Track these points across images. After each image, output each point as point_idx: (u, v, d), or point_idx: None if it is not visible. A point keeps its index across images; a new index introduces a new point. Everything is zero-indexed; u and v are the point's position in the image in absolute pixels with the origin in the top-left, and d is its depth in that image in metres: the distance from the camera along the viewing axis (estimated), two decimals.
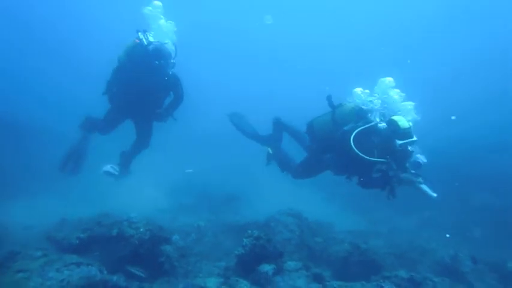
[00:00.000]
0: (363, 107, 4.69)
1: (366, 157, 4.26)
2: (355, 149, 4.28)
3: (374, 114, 4.64)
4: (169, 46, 5.47)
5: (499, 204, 8.57)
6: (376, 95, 4.82)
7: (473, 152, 10.96)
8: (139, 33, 5.39)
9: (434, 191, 4.18)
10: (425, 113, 4.69)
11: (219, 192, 8.62)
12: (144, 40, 5.35)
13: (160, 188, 7.61)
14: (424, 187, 4.21)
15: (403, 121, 4.32)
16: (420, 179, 4.25)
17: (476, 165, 10.06)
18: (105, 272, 3.49)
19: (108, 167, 5.94)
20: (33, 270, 3.08)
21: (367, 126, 4.45)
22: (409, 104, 4.68)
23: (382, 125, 4.47)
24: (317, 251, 6.00)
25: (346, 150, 4.41)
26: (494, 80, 17.84)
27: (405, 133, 4.28)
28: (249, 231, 4.23)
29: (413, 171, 4.33)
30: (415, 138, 4.32)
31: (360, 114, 4.66)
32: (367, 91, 4.96)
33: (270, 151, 5.90)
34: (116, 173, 5.97)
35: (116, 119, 5.82)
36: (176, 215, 6.72)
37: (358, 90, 4.92)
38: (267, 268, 3.85)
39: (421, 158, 4.43)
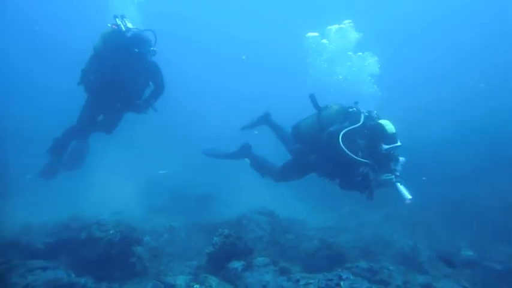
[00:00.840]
0: (350, 109, 4.70)
1: (353, 156, 4.24)
2: (344, 148, 4.24)
3: (360, 116, 4.59)
4: (148, 33, 5.23)
5: (456, 197, 9.14)
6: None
7: (438, 150, 11.55)
8: (117, 19, 5.14)
9: (410, 193, 4.15)
10: (397, 113, 4.90)
11: (193, 192, 8.66)
12: (122, 26, 5.10)
13: (133, 189, 7.55)
14: (401, 187, 4.20)
15: (390, 125, 4.35)
16: (399, 179, 4.25)
17: (439, 162, 10.65)
18: (73, 275, 3.50)
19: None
20: None
21: (353, 127, 4.43)
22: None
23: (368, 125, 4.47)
24: (288, 247, 6.18)
25: (333, 151, 4.39)
26: (465, 80, 18.46)
27: (391, 138, 4.29)
28: (220, 230, 4.35)
29: (397, 173, 4.31)
30: (399, 144, 4.32)
31: (346, 116, 4.66)
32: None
33: (248, 161, 5.86)
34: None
35: (93, 114, 5.52)
36: (149, 216, 6.72)
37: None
38: (237, 265, 3.98)
39: (401, 158, 4.42)
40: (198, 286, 3.00)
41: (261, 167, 5.76)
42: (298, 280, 3.17)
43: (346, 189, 4.71)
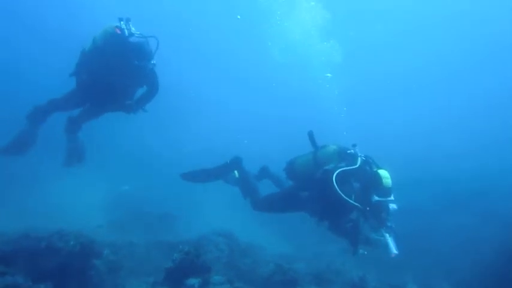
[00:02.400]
0: (347, 150, 4.62)
1: (344, 197, 4.12)
2: (337, 187, 4.12)
3: (357, 158, 4.49)
4: (151, 40, 5.03)
5: (409, 232, 9.75)
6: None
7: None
8: (122, 22, 4.88)
9: (397, 248, 4.02)
10: None
11: (155, 210, 8.68)
12: (125, 31, 4.84)
13: (95, 202, 7.51)
14: (390, 240, 4.07)
15: (387, 179, 4.20)
16: (389, 230, 4.13)
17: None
18: (31, 282, 3.53)
19: None
20: None
21: (349, 168, 4.33)
22: None
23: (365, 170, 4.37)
24: (244, 270, 6.38)
25: (326, 190, 4.29)
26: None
27: (385, 191, 4.15)
28: (180, 247, 4.52)
29: (388, 223, 4.17)
30: (392, 198, 4.17)
31: (343, 157, 4.60)
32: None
33: (237, 174, 5.61)
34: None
35: (77, 104, 5.36)
36: (110, 231, 6.69)
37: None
38: (194, 281, 4.16)
39: (392, 206, 4.22)
40: None
41: (247, 186, 5.49)
42: None
43: (334, 233, 4.61)
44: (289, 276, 5.81)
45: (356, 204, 4.14)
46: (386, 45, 21.19)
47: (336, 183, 4.12)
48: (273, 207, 5.32)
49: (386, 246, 4.01)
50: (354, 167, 4.33)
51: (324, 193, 4.34)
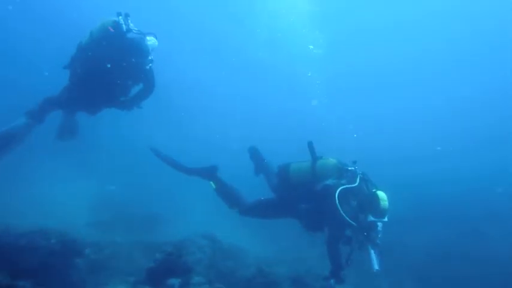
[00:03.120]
0: (347, 167, 4.63)
1: (344, 215, 4.18)
2: (338, 205, 4.18)
3: (356, 177, 4.50)
4: (151, 40, 4.96)
5: (387, 241, 10.00)
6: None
7: None
8: (120, 17, 4.79)
9: (379, 264, 4.12)
10: None
11: (139, 211, 8.70)
12: (123, 26, 4.76)
13: (79, 201, 7.48)
14: (373, 255, 4.16)
15: (385, 201, 4.24)
16: (376, 247, 4.20)
17: None
18: (9, 279, 3.56)
19: None
20: None
21: (350, 186, 4.36)
22: None
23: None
24: (226, 273, 6.47)
25: (324, 205, 4.36)
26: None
27: (381, 213, 4.21)
28: (163, 247, 4.60)
29: (377, 241, 4.23)
30: (386, 219, 4.23)
31: (342, 172, 4.60)
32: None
33: (213, 186, 5.37)
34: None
35: (71, 100, 5.21)
36: (93, 230, 6.69)
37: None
38: (174, 282, 4.24)
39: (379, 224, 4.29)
40: None
41: (229, 195, 5.33)
42: None
43: (331, 247, 4.55)
44: (270, 280, 5.94)
45: (352, 223, 4.21)
46: (374, 36, 21.09)
47: (338, 200, 4.17)
48: (264, 215, 5.28)
49: (369, 260, 4.11)
50: (353, 185, 4.37)
51: (322, 207, 4.42)
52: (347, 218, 4.18)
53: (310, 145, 4.82)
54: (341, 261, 4.51)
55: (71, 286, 4.28)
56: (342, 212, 4.15)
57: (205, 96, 21.75)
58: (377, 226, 4.21)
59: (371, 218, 4.19)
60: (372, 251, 4.16)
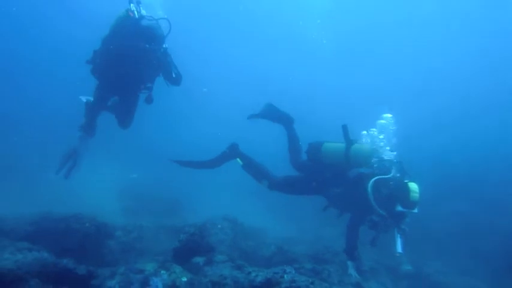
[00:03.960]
0: (384, 157, 4.65)
1: (374, 204, 4.33)
2: (371, 195, 4.33)
3: (391, 166, 4.59)
4: (164, 24, 4.98)
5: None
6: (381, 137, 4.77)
7: None
8: (132, 5, 4.92)
9: (402, 248, 4.29)
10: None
11: (162, 196, 9.13)
12: (135, 12, 4.87)
13: (106, 190, 7.95)
14: (398, 239, 4.30)
15: (415, 193, 4.32)
16: (402, 232, 4.35)
17: None
18: (54, 257, 3.95)
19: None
20: None
21: (384, 177, 4.45)
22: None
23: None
24: (247, 252, 6.79)
25: (357, 192, 4.53)
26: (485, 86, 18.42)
27: (411, 204, 4.30)
28: (186, 228, 4.91)
29: (403, 226, 4.38)
30: (415, 211, 4.32)
31: (377, 161, 4.64)
32: (374, 130, 4.85)
33: (240, 162, 5.51)
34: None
35: (104, 96, 5.47)
36: (120, 215, 7.14)
37: (365, 132, 4.90)
38: (199, 260, 4.55)
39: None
40: (164, 271, 3.54)
41: (256, 170, 5.43)
42: (249, 272, 3.80)
43: (353, 229, 4.76)
44: (289, 257, 6.21)
45: (382, 212, 4.37)
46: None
47: (371, 190, 4.34)
48: (292, 190, 5.34)
49: (395, 243, 4.30)
50: (388, 176, 4.47)
51: (353, 193, 4.61)
52: (377, 208, 4.36)
53: (344, 128, 4.81)
54: (356, 243, 4.77)
55: (106, 264, 4.68)
56: (373, 201, 4.33)
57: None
58: (405, 216, 4.36)
59: (400, 208, 4.30)
60: (398, 235, 4.33)
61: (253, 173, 5.45)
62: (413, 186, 4.37)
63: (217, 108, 20.38)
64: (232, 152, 5.53)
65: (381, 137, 4.73)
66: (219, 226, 6.89)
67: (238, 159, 5.52)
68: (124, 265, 3.79)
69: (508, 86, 17.52)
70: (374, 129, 4.86)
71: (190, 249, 4.77)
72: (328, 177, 4.95)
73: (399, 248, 4.28)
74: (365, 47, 21.30)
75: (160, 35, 4.97)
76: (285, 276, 3.62)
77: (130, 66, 5.00)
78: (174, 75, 5.23)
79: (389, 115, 4.85)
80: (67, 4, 19.24)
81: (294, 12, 20.76)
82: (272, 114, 5.58)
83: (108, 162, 9.16)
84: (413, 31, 20.14)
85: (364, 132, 4.92)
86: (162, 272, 3.59)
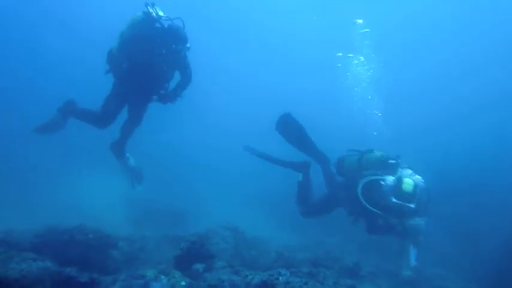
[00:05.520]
0: (390, 160, 4.93)
1: (364, 203, 4.61)
2: (360, 194, 4.66)
3: (397, 169, 4.82)
4: (179, 23, 5.11)
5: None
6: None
7: None
8: (148, 7, 4.96)
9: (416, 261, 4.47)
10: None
11: (164, 208, 9.28)
12: (153, 14, 4.94)
13: (110, 202, 8.12)
14: (412, 252, 4.50)
15: (408, 185, 4.54)
16: (416, 245, 4.55)
17: None
18: (58, 266, 4.11)
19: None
20: None
21: (377, 177, 4.73)
22: None
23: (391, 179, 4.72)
24: (249, 260, 6.88)
25: (350, 194, 4.89)
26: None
27: (404, 196, 4.50)
28: (187, 237, 5.05)
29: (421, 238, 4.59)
30: (411, 206, 4.49)
31: (384, 165, 4.91)
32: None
33: (300, 178, 5.87)
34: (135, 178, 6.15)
35: (120, 103, 5.43)
36: (124, 226, 7.29)
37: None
38: (199, 266, 4.67)
39: (421, 223, 4.59)
40: (164, 277, 3.68)
41: (305, 191, 5.83)
42: (246, 276, 3.93)
43: (373, 234, 5.02)
44: (288, 263, 6.30)
45: (374, 210, 4.60)
46: None
47: (365, 190, 4.62)
48: (321, 211, 5.82)
49: (407, 255, 4.52)
50: (378, 176, 4.75)
51: (351, 197, 4.93)
52: (367, 205, 4.59)
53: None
54: (385, 231, 4.88)
55: (109, 273, 4.81)
56: (362, 199, 4.58)
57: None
58: (404, 211, 4.51)
59: (394, 200, 4.49)
60: (411, 247, 4.54)
61: (301, 193, 5.85)
62: (407, 179, 4.59)
63: (227, 119, 20.61)
64: (303, 168, 5.90)
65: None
66: (220, 235, 7.01)
67: (301, 174, 5.88)
68: (125, 272, 3.93)
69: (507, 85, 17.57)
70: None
71: (191, 257, 4.89)
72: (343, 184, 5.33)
73: (413, 261, 4.48)
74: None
75: (185, 35, 5.12)
76: (280, 278, 3.74)
77: (156, 68, 5.12)
78: (189, 73, 5.42)
79: None
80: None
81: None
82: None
83: (110, 173, 9.33)
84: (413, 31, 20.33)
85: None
86: (161, 277, 3.73)
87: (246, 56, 23.29)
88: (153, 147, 14.20)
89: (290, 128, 5.73)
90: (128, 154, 6.22)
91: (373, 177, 4.71)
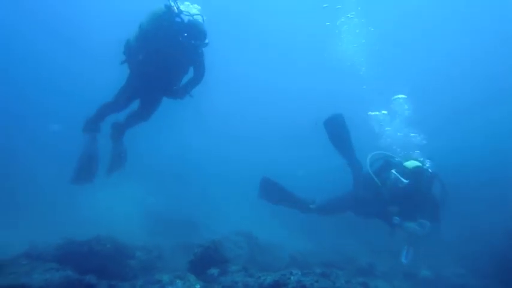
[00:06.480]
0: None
1: (371, 173, 5.03)
2: (369, 169, 5.12)
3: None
4: (200, 19, 5.07)
5: None
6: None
7: None
8: (171, 1, 4.96)
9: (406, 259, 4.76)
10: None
11: (178, 218, 9.45)
12: (175, 8, 4.94)
13: (125, 212, 8.36)
14: (408, 251, 4.82)
15: (411, 163, 5.00)
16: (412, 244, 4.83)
17: None
18: (78, 275, 4.29)
19: None
20: (21, 273, 3.87)
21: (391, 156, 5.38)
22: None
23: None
24: (263, 265, 6.95)
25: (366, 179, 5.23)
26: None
27: (403, 170, 4.92)
28: (201, 243, 5.19)
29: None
30: (405, 181, 4.81)
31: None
32: (384, 112, 5.86)
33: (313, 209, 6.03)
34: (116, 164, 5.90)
35: (131, 95, 5.43)
36: (140, 236, 7.48)
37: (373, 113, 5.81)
38: (214, 271, 4.79)
39: (419, 227, 4.83)
40: (179, 281, 3.82)
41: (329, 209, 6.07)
42: (259, 277, 4.04)
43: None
44: (302, 266, 6.35)
45: (376, 179, 5.03)
46: None
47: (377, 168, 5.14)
48: (337, 208, 6.03)
49: (404, 252, 4.83)
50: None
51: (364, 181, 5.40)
52: (373, 175, 5.02)
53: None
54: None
55: (127, 280, 4.97)
56: (370, 171, 5.02)
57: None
58: (397, 183, 4.82)
59: (393, 173, 4.88)
60: (407, 248, 4.78)
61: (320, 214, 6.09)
62: (413, 161, 5.07)
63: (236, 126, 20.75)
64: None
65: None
66: (233, 240, 7.12)
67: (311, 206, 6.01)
68: (142, 278, 4.08)
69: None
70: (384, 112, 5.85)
71: (205, 262, 5.00)
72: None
73: (403, 258, 4.73)
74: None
75: (204, 31, 5.10)
76: (292, 277, 3.84)
77: (172, 62, 5.10)
78: (202, 70, 5.38)
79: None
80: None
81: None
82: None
83: (129, 186, 9.56)
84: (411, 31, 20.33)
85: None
86: (177, 281, 3.86)
87: (247, 57, 23.45)
88: (160, 159, 14.52)
89: (338, 128, 5.80)
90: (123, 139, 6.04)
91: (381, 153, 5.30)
